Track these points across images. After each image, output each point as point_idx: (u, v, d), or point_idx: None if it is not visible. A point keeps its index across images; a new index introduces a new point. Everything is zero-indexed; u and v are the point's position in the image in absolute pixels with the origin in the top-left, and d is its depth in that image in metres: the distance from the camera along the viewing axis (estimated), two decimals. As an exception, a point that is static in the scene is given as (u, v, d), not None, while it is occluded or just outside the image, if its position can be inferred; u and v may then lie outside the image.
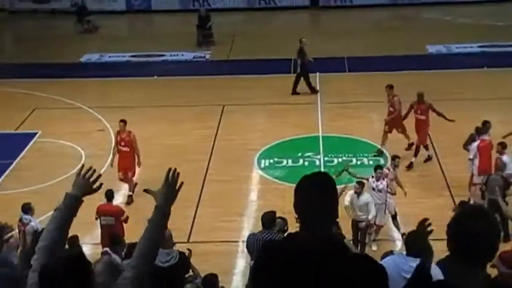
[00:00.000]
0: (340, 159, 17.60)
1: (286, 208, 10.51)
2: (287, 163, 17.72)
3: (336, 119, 19.54)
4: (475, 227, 3.21)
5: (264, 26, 31.14)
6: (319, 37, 25.40)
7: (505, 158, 14.22)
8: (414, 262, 7.19)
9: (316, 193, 3.44)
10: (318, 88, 21.74)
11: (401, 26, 29.76)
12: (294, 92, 21.60)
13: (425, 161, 17.14)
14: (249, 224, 14.73)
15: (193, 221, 14.97)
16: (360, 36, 27.32)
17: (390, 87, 17.72)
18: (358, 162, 17.33)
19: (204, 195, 16.13)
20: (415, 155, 16.93)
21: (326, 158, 17.61)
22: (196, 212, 15.37)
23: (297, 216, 3.51)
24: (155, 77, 24.31)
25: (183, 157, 17.48)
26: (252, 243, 9.23)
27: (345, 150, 17.68)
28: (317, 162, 17.50)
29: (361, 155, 17.51)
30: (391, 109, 17.53)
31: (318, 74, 23.16)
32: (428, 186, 16.03)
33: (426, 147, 17.16)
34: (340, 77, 22.53)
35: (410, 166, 16.75)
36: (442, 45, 26.40)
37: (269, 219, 9.58)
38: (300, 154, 17.99)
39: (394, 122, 17.48)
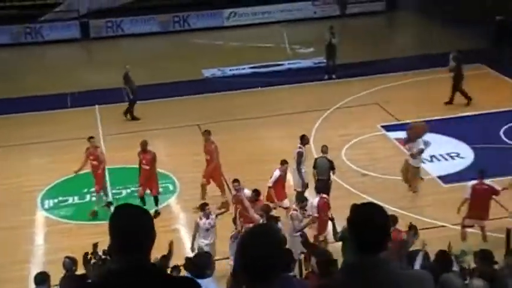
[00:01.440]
0: (128, 190, 17.23)
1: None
2: (73, 200, 17.00)
3: (119, 150, 19.10)
4: (259, 247, 3.23)
5: (32, 61, 29.66)
6: (93, 68, 24.88)
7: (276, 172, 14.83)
8: (199, 280, 7.51)
9: (124, 224, 3.48)
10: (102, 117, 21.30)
11: (175, 53, 30.11)
12: (133, 118, 21.50)
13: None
14: (39, 270, 13.74)
15: (-26, 277, 13.71)
16: (135, 65, 27.01)
17: (90, 137, 16.64)
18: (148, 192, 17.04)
19: (-16, 246, 14.88)
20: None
21: (114, 191, 17.10)
22: (-23, 266, 14.11)
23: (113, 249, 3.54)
24: None
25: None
26: None
27: (132, 180, 17.20)
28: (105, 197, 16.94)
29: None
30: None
31: (96, 106, 22.62)
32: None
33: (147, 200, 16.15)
34: (118, 108, 22.10)
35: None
36: (217, 69, 27.09)
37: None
38: (85, 190, 17.30)
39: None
